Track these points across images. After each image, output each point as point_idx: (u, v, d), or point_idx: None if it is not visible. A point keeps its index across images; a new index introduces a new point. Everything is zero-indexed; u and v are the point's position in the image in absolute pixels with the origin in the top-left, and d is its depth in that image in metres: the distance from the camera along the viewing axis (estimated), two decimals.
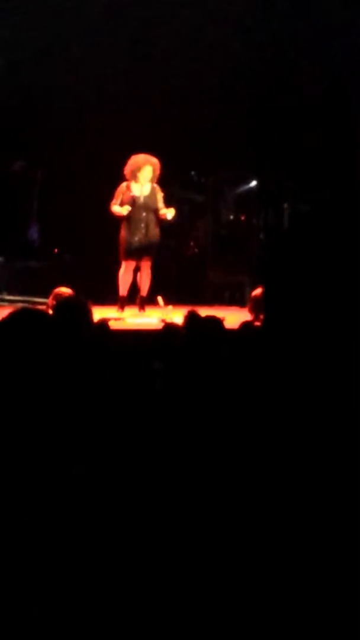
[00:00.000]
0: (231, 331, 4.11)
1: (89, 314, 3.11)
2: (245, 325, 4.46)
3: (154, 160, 8.09)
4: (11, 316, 1.69)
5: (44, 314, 1.88)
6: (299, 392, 0.91)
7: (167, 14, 8.03)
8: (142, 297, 8.40)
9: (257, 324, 5.14)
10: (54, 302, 5.71)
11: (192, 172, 13.66)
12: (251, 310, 6.75)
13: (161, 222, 8.21)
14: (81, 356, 2.08)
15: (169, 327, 4.56)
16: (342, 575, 0.93)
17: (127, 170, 8.08)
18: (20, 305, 7.86)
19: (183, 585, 1.18)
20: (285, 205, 12.85)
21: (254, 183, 13.24)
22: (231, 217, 13.82)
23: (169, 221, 8.28)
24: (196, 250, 13.44)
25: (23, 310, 1.75)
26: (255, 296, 6.78)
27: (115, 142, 9.85)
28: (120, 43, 8.76)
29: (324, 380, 0.92)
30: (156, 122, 10.16)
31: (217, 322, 4.04)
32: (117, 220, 8.20)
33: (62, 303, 3.52)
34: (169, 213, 8.07)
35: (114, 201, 8.08)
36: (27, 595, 1.36)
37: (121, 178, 8.16)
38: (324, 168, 11.04)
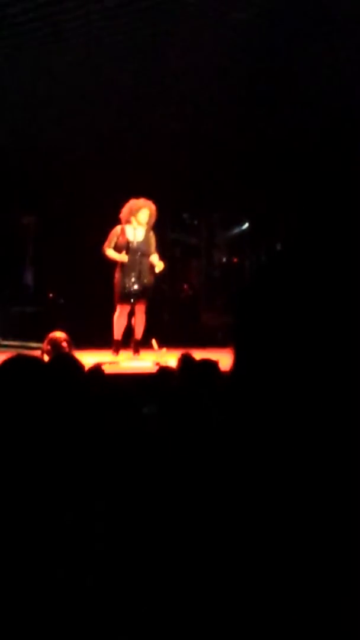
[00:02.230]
0: (226, 373, 4.13)
1: (81, 367, 3.13)
2: None
3: (152, 205, 8.17)
4: (5, 363, 1.71)
5: (38, 360, 1.90)
6: (280, 436, 0.93)
7: (162, 59, 8.16)
8: (136, 340, 8.41)
9: None
10: (49, 347, 5.72)
11: (185, 215, 13.77)
12: None
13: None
14: (75, 402, 2.10)
15: (163, 370, 4.57)
16: (343, 578, 0.94)
17: (123, 212, 8.16)
18: (15, 350, 7.87)
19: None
20: (278, 246, 12.95)
21: (246, 225, 13.36)
22: (224, 259, 13.91)
23: (157, 273, 8.30)
24: (190, 292, 13.50)
25: (17, 357, 1.77)
26: None
27: (109, 186, 9.96)
28: (115, 89, 8.90)
29: (302, 426, 0.94)
30: (150, 165, 10.28)
31: (212, 365, 4.06)
32: (111, 264, 8.25)
33: (57, 357, 3.54)
34: (158, 267, 8.12)
35: (107, 244, 8.13)
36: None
37: (115, 222, 8.23)
38: (316, 210, 11.17)
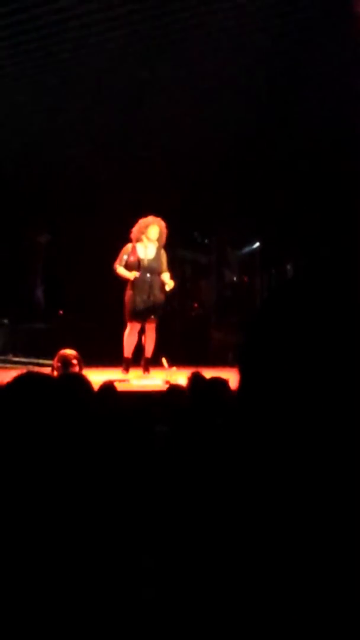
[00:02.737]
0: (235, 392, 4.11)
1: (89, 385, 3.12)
2: None
3: (162, 222, 8.20)
4: (15, 380, 1.70)
5: (48, 377, 1.89)
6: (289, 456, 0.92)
7: (168, 78, 8.24)
8: (146, 358, 8.40)
9: None
10: (59, 364, 5.72)
11: (196, 234, 13.79)
12: None
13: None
14: (85, 420, 2.09)
15: (173, 389, 4.56)
16: (343, 579, 0.92)
17: (134, 231, 8.19)
18: (25, 367, 7.87)
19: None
20: (288, 266, 12.96)
21: (257, 244, 13.37)
22: (234, 278, 13.92)
23: (167, 292, 8.32)
24: (200, 311, 13.50)
25: (27, 374, 1.76)
26: None
27: (120, 205, 10.00)
28: (123, 107, 8.98)
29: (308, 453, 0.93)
30: (160, 184, 10.32)
31: (222, 383, 4.05)
32: (122, 281, 8.27)
33: (65, 376, 3.54)
34: (168, 285, 8.13)
35: (117, 261, 8.15)
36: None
37: (125, 240, 8.25)
38: (326, 230, 11.17)
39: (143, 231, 8.14)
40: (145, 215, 8.29)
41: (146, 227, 8.14)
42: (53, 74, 8.03)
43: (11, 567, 1.42)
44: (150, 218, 8.21)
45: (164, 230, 8.23)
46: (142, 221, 8.20)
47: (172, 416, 3.81)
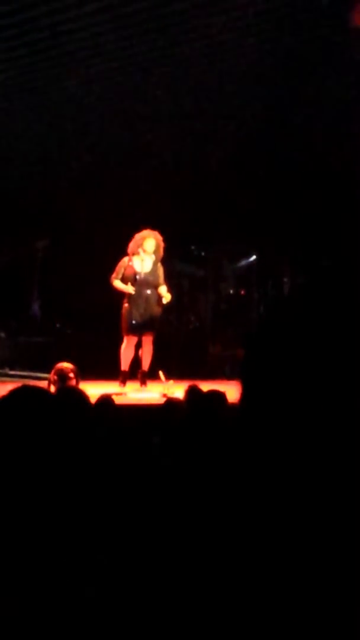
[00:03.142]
0: (234, 405, 4.12)
1: (86, 399, 3.12)
2: None
3: (158, 235, 8.23)
4: (11, 394, 1.70)
5: (44, 391, 1.89)
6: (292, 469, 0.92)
7: (169, 89, 8.26)
8: (143, 371, 8.39)
9: None
10: (56, 377, 5.71)
11: (192, 247, 13.82)
12: None
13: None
14: (82, 434, 2.09)
15: (170, 402, 4.55)
16: (343, 580, 0.92)
17: (130, 246, 8.21)
18: (22, 380, 7.86)
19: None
20: (285, 279, 12.97)
21: (253, 257, 13.39)
22: (231, 291, 13.93)
23: (164, 305, 8.33)
24: (197, 324, 13.50)
25: (23, 387, 1.76)
26: None
27: (116, 217, 10.02)
28: (126, 122, 9.01)
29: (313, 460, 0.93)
30: (157, 197, 10.34)
31: (220, 396, 4.04)
32: (119, 295, 8.27)
33: (62, 390, 3.53)
34: (165, 298, 8.14)
35: (114, 275, 8.17)
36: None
37: (122, 253, 8.26)
38: (323, 242, 11.20)
39: (140, 244, 8.16)
40: (142, 229, 8.31)
41: (142, 240, 8.16)
42: (55, 82, 8.04)
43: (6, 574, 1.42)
44: (147, 232, 8.23)
45: (161, 244, 8.24)
46: (139, 235, 8.23)
47: (169, 429, 3.80)
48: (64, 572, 1.48)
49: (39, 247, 12.67)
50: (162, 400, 5.52)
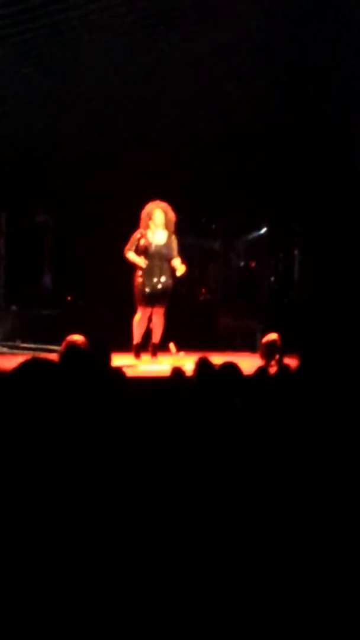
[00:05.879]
0: (247, 376, 4.16)
1: (107, 356, 3.13)
2: (261, 371, 4.48)
3: (162, 204, 8.23)
4: (21, 366, 1.73)
5: (53, 363, 1.92)
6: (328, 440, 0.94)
7: (178, 61, 8.19)
8: (154, 344, 8.43)
9: (270, 369, 5.15)
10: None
11: (203, 219, 13.78)
12: (262, 356, 6.74)
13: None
14: (89, 405, 2.11)
15: (177, 374, 4.58)
16: (343, 580, 0.96)
17: (142, 219, 8.23)
18: (33, 353, 7.91)
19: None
20: (296, 251, 12.95)
21: (264, 230, 13.35)
22: (242, 263, 13.91)
23: (178, 277, 8.36)
24: (207, 296, 13.50)
25: (32, 359, 1.79)
26: (267, 342, 6.78)
27: (128, 190, 9.99)
28: (133, 93, 8.94)
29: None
30: (168, 169, 10.30)
31: (233, 367, 4.07)
32: (131, 267, 8.29)
33: (69, 351, 3.55)
34: (179, 270, 8.16)
35: (128, 246, 8.19)
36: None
37: (134, 225, 8.28)
38: (334, 216, 11.15)
39: (150, 217, 8.19)
40: (152, 200, 8.31)
41: (151, 212, 8.20)
42: (59, 52, 7.98)
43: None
44: (154, 203, 8.25)
45: (172, 216, 8.25)
46: (147, 208, 8.24)
47: (179, 401, 3.84)
48: (81, 542, 1.51)
49: (43, 222, 12.65)
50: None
